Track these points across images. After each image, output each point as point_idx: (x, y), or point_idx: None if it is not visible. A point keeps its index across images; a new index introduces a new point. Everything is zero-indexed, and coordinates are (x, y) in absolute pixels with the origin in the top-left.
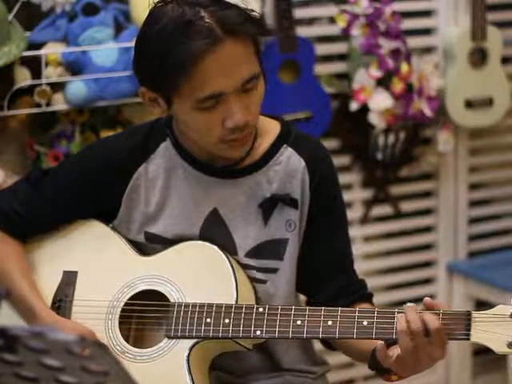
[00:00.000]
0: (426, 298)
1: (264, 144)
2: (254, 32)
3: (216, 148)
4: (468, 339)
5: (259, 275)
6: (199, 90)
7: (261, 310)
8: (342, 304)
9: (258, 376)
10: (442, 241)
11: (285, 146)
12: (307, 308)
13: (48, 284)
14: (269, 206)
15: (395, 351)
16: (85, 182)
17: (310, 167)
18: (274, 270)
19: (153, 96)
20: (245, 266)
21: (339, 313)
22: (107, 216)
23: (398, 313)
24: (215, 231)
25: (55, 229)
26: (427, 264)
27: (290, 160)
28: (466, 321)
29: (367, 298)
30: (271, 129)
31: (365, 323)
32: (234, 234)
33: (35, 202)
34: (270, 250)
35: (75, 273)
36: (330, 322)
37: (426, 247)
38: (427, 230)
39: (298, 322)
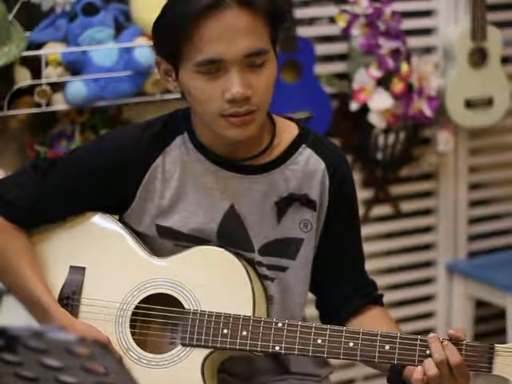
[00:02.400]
0: (451, 331)
1: (282, 143)
2: (265, 6)
3: (217, 125)
4: (490, 372)
5: (269, 273)
6: (199, 53)
7: (280, 325)
8: (355, 306)
9: (264, 379)
10: (442, 241)
11: (303, 146)
12: (328, 327)
13: (54, 279)
14: (284, 205)
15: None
16: (99, 172)
17: (330, 169)
18: (283, 269)
19: (165, 66)
20: (257, 263)
21: (361, 335)
22: (117, 208)
23: (421, 340)
24: (233, 227)
25: (62, 221)
26: (427, 264)
27: (310, 161)
28: (489, 354)
29: (378, 300)
30: (289, 129)
31: (387, 348)
32: (249, 231)
33: (44, 191)
34: (281, 248)
35: (83, 269)
36: (351, 344)
37: (426, 247)
38: (427, 230)
39: (319, 341)
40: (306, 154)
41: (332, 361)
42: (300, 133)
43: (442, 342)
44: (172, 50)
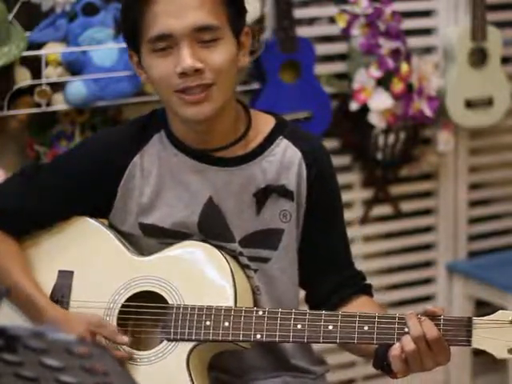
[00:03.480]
0: (428, 307)
1: (259, 135)
2: None
3: (173, 103)
4: (469, 345)
5: (251, 264)
6: (150, 29)
7: (260, 313)
8: (341, 297)
9: (258, 376)
10: (442, 241)
11: (280, 137)
12: (307, 312)
13: (43, 284)
14: (262, 196)
15: (397, 351)
16: (84, 175)
17: (307, 159)
18: (265, 260)
19: (136, 58)
20: (239, 254)
21: (340, 317)
22: (103, 210)
23: (399, 318)
24: (213, 219)
25: (50, 227)
26: (427, 264)
27: (286, 152)
28: (467, 327)
29: (367, 289)
30: (266, 122)
31: (365, 328)
32: (229, 223)
33: (32, 197)
34: (262, 239)
35: (71, 273)
36: (330, 327)
37: (426, 247)
38: (427, 230)
39: (299, 326)
40: (282, 146)
41: (331, 360)
42: (277, 124)
43: (419, 318)
44: (132, 34)
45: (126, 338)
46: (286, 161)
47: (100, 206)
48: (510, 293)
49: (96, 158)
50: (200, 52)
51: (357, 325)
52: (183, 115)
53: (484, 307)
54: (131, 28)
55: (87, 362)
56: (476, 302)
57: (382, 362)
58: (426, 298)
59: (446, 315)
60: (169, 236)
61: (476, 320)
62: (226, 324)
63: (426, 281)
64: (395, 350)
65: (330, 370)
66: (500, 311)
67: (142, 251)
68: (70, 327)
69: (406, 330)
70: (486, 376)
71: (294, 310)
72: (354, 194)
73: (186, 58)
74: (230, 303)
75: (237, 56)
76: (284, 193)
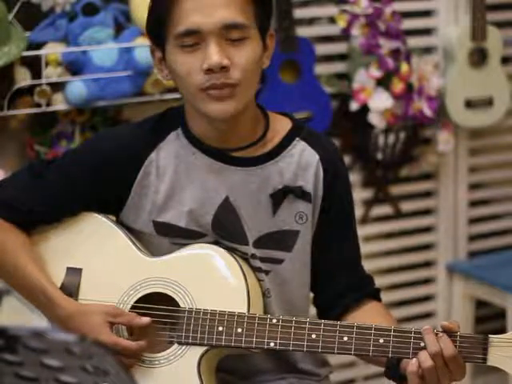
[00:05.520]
0: (444, 322)
1: (277, 136)
2: None
3: (198, 100)
4: (485, 363)
5: (263, 265)
6: (178, 25)
7: (274, 321)
8: (350, 301)
9: (263, 378)
10: (442, 241)
11: (297, 139)
12: (322, 322)
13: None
14: (279, 197)
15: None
16: (96, 171)
17: (324, 161)
18: (278, 261)
19: (158, 54)
20: (251, 256)
21: (355, 329)
22: (114, 207)
23: (415, 332)
24: (228, 219)
25: (59, 222)
26: (427, 264)
27: (304, 153)
28: (483, 345)
29: (375, 294)
30: (283, 124)
31: (381, 341)
32: (243, 223)
33: (41, 192)
34: (276, 240)
35: (79, 270)
36: (345, 338)
37: (426, 247)
38: (427, 230)
39: (313, 336)
40: (300, 147)
41: (332, 360)
42: (294, 126)
43: (436, 333)
44: (157, 29)
45: (147, 319)
46: (303, 162)
47: (111, 203)
48: (510, 293)
49: (108, 157)
50: (227, 50)
51: (372, 337)
52: (207, 112)
53: (484, 307)
54: (158, 23)
55: (87, 362)
56: (476, 302)
57: (394, 373)
58: (426, 298)
59: (461, 332)
60: (182, 235)
61: (492, 338)
62: (239, 330)
63: (426, 281)
64: (412, 366)
65: (333, 371)
66: None
67: (152, 251)
68: (87, 321)
69: (422, 344)
70: (486, 376)
71: (308, 320)
72: (354, 194)
73: (214, 54)
74: (244, 309)
75: (261, 57)
76: (301, 194)
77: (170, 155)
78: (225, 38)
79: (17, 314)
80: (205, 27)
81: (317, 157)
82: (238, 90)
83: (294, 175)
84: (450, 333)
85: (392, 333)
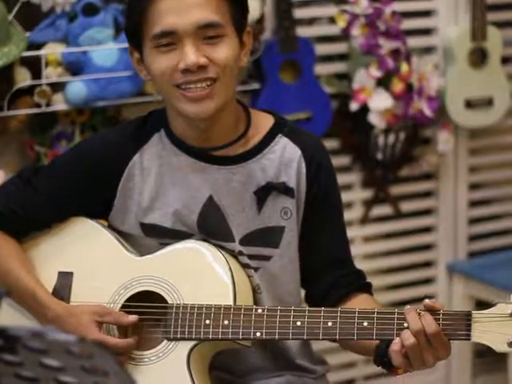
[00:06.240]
0: (426, 300)
1: (259, 133)
2: None
3: (174, 98)
4: (469, 339)
5: (251, 262)
6: (154, 26)
7: (260, 311)
8: (340, 294)
9: (259, 376)
10: (442, 241)
11: (280, 135)
12: (306, 309)
13: (43, 285)
14: (263, 194)
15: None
16: (83, 175)
17: (306, 156)
18: (266, 258)
19: (137, 55)
20: (239, 253)
21: (339, 313)
22: (102, 210)
23: (398, 313)
24: (213, 218)
25: (48, 228)
26: (427, 264)
27: (286, 149)
28: (467, 321)
29: (366, 288)
30: (265, 121)
31: (365, 324)
32: (229, 222)
33: (30, 198)
34: (263, 237)
35: (71, 274)
36: (330, 323)
37: (426, 247)
38: (427, 230)
39: (298, 323)
40: (282, 143)
41: (331, 360)
42: (276, 123)
43: (418, 312)
44: (134, 31)
45: (134, 317)
46: (285, 158)
47: (99, 207)
48: (510, 293)
49: (94, 159)
50: (204, 49)
51: (356, 321)
52: (185, 112)
53: (484, 307)
54: (135, 24)
55: (87, 362)
56: (476, 302)
57: (382, 359)
58: (426, 298)
59: (445, 310)
60: (169, 236)
61: (475, 314)
62: (226, 322)
63: (426, 281)
64: (395, 345)
65: (331, 370)
66: (499, 304)
67: (141, 251)
68: (75, 321)
69: (406, 324)
70: (486, 376)
71: (293, 308)
72: (354, 194)
73: (190, 54)
74: (230, 302)
75: (239, 55)
76: (284, 190)
77: (153, 157)
78: (201, 37)
79: (17, 315)
80: (180, 28)
81: (299, 152)
82: (217, 86)
83: (277, 171)
84: (432, 311)
85: (375, 315)
